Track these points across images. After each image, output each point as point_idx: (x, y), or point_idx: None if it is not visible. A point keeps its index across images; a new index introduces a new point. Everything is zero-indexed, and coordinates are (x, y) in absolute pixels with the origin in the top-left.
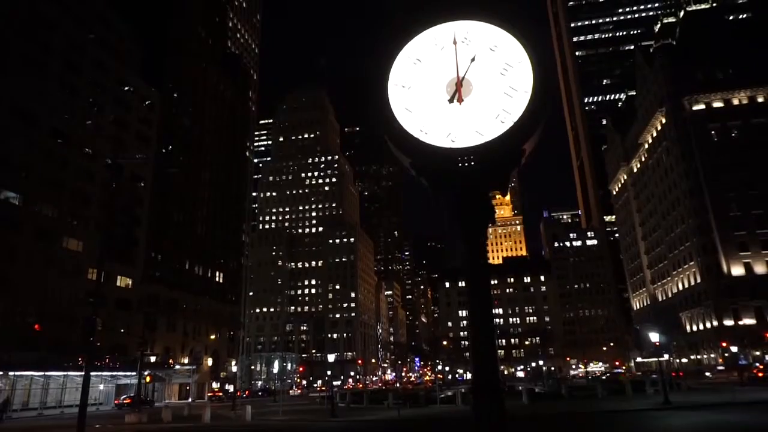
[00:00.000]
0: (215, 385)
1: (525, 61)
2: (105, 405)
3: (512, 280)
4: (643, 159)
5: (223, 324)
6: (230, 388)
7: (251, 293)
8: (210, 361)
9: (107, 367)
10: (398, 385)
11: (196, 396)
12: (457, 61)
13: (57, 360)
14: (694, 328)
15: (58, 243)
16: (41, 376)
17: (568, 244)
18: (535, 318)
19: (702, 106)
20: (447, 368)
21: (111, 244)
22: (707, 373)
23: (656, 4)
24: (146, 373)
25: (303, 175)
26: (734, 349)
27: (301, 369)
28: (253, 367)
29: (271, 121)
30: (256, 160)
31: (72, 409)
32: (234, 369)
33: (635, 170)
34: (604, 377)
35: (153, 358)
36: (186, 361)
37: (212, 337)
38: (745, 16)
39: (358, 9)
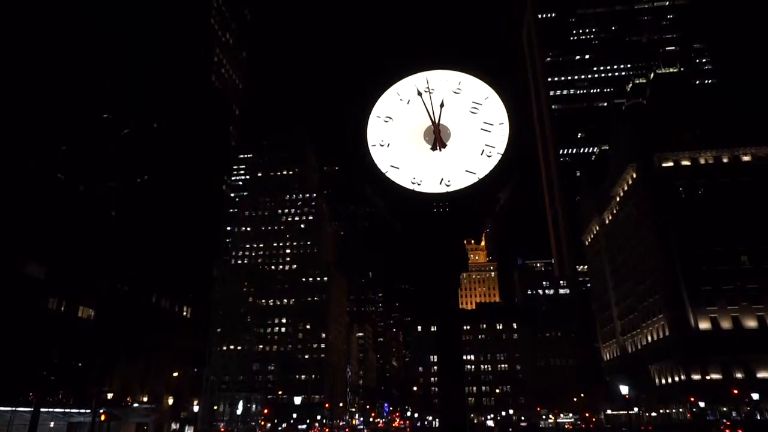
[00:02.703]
0: (174, 426)
1: (493, 96)
2: None
3: (485, 326)
4: (614, 211)
5: (188, 361)
6: (190, 430)
7: (219, 329)
8: (171, 401)
9: (60, 403)
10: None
11: None
12: (427, 110)
13: (5, 393)
14: (663, 381)
15: (17, 267)
16: None
17: (541, 292)
18: (506, 365)
19: (671, 164)
20: (416, 414)
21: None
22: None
23: (628, 65)
24: (101, 411)
25: (279, 211)
26: (702, 404)
27: (266, 411)
28: (216, 408)
29: (250, 155)
30: (233, 194)
31: None
32: (196, 409)
33: (607, 222)
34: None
35: (110, 395)
36: (145, 399)
37: (175, 374)
38: (710, 81)
39: (341, 52)
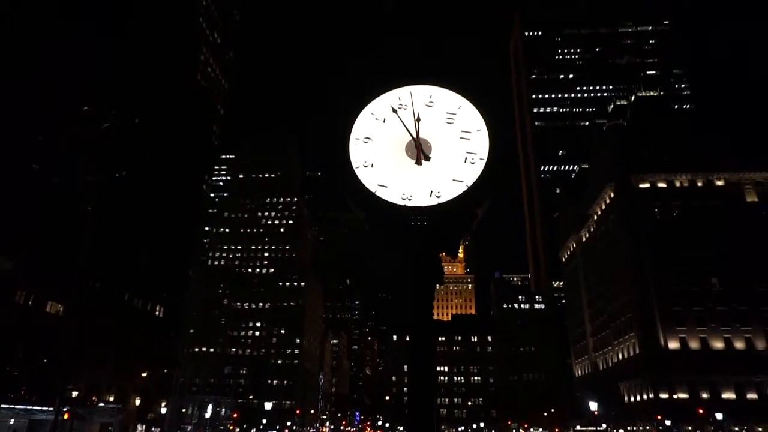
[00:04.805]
0: (140, 428)
1: (465, 104)
2: None
3: (459, 338)
4: (592, 229)
5: (158, 362)
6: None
7: (191, 330)
8: (138, 401)
9: (22, 399)
10: None
11: None
12: (405, 126)
13: None
14: (632, 399)
15: None
16: None
17: (516, 306)
18: (479, 378)
19: (647, 185)
20: (387, 424)
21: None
22: None
23: (610, 87)
24: (65, 409)
25: (259, 214)
26: (668, 422)
27: (235, 415)
28: (184, 410)
29: (232, 156)
30: (213, 195)
31: None
32: (163, 411)
33: (584, 239)
34: None
35: (75, 393)
36: (112, 399)
37: (144, 374)
38: (688, 106)
39: (334, 64)
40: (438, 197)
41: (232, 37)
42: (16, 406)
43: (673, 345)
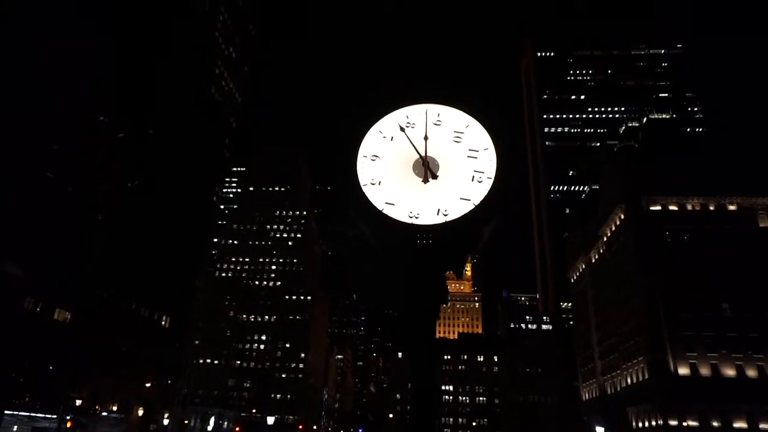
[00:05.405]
0: None
1: (473, 123)
2: None
3: (465, 357)
4: (601, 251)
5: (162, 372)
6: None
7: (197, 342)
8: (141, 411)
9: (26, 406)
10: None
11: None
12: (412, 144)
13: None
14: (640, 425)
15: None
16: None
17: (523, 326)
18: (484, 398)
19: (659, 207)
20: None
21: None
22: None
23: (622, 109)
24: (68, 417)
25: (268, 227)
26: None
27: (237, 428)
28: (186, 422)
29: (243, 169)
30: (222, 206)
31: None
32: (166, 422)
33: (593, 261)
34: None
35: (78, 402)
36: (115, 408)
37: (147, 384)
38: (700, 129)
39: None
40: (445, 215)
41: (247, 52)
42: (20, 413)
43: (683, 371)
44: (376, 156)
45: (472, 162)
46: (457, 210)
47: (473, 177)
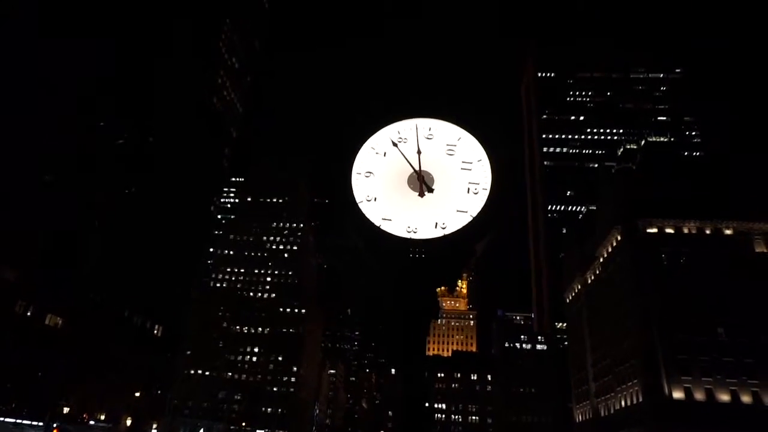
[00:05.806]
0: None
1: (465, 136)
2: None
3: (459, 375)
4: (597, 272)
5: (152, 381)
6: None
7: (188, 352)
8: (129, 421)
9: (12, 412)
10: None
11: None
12: (406, 159)
13: None
14: None
15: None
16: None
17: (518, 345)
18: (477, 417)
19: (655, 230)
20: None
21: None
22: None
23: (620, 131)
24: (55, 425)
25: (264, 238)
26: None
27: None
28: None
29: (242, 179)
30: (220, 216)
31: None
32: None
33: (589, 281)
34: None
35: (66, 409)
36: (103, 417)
37: (137, 394)
38: (697, 153)
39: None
40: (443, 228)
41: (250, 63)
42: (5, 419)
43: (678, 394)
44: (370, 172)
45: (466, 174)
46: (455, 222)
47: (469, 189)
